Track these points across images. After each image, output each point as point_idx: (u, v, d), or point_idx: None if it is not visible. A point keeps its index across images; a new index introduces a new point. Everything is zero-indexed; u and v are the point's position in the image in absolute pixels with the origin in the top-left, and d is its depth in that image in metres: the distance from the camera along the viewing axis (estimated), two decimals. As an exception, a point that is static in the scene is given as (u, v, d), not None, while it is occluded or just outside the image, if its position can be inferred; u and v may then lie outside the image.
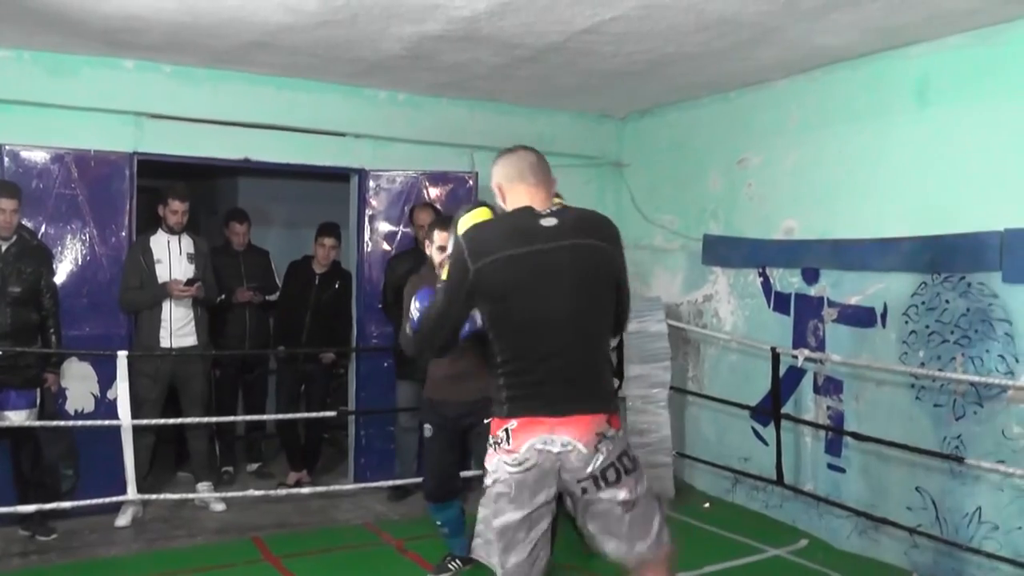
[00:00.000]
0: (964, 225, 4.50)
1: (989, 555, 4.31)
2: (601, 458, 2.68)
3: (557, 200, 2.95)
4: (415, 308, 3.02)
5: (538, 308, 2.70)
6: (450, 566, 4.62)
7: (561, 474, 2.71)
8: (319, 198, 8.03)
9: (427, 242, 4.47)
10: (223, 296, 6.14)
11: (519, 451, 2.71)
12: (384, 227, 6.51)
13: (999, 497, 4.35)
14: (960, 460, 4.43)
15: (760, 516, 5.81)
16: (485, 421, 3.21)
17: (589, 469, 2.68)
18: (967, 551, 4.42)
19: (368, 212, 6.48)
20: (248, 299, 6.39)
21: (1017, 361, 4.27)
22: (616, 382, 2.69)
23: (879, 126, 5.10)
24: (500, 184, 2.90)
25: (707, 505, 6.16)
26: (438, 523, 4.57)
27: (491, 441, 2.79)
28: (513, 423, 2.73)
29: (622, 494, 2.72)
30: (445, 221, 4.03)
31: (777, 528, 5.58)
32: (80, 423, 5.25)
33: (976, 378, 4.39)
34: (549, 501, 2.74)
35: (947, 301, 4.61)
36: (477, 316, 2.87)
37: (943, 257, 4.61)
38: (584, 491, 2.72)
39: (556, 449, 2.68)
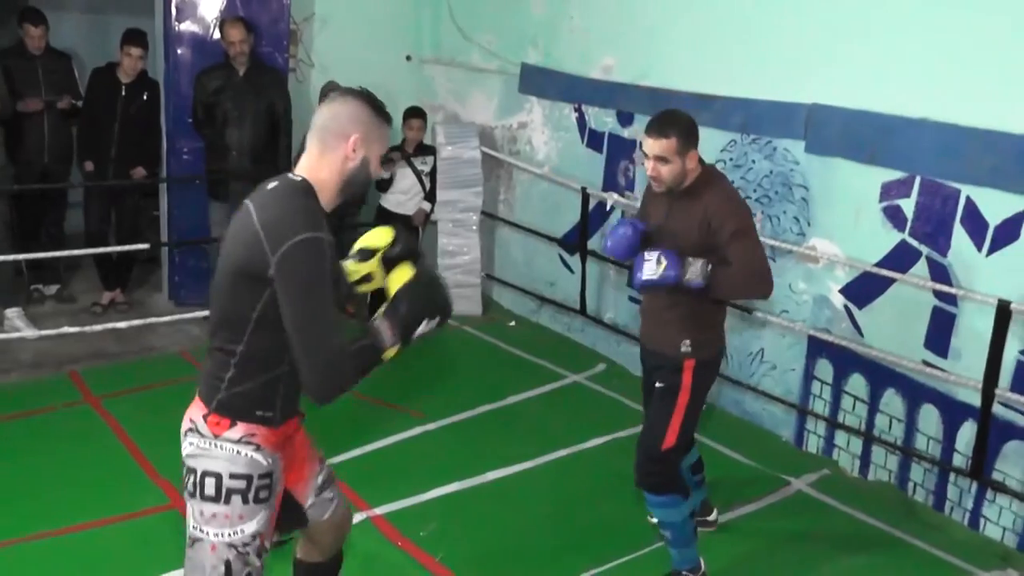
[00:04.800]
0: (775, 94, 4.71)
1: (764, 393, 4.91)
2: (186, 450, 2.31)
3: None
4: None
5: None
6: None
7: None
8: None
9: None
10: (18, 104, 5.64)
11: None
12: (194, 37, 6.15)
13: (780, 342, 4.89)
14: (749, 312, 4.90)
15: (563, 338, 6.22)
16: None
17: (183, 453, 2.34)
18: (747, 388, 4.99)
19: (175, 21, 6.09)
20: (39, 108, 5.82)
21: (809, 224, 4.67)
22: (251, 384, 2.26)
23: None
24: None
25: (512, 323, 6.51)
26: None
27: None
28: None
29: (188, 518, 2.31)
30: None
31: (578, 351, 6.01)
32: None
33: (769, 240, 4.78)
34: None
35: (753, 161, 4.90)
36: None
37: (753, 120, 4.84)
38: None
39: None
